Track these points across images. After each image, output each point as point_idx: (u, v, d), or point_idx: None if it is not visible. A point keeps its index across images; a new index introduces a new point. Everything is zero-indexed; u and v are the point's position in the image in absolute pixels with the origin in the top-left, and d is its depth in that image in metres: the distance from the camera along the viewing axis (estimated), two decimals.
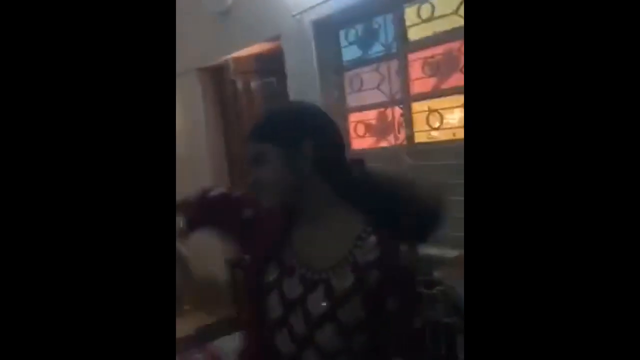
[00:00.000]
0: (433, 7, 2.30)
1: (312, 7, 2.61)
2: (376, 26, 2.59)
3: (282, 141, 0.91)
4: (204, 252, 3.68)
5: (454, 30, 2.19)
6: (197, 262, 4.00)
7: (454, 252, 2.02)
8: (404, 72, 2.49)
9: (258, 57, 3.28)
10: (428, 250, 2.09)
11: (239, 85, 3.34)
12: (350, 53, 2.76)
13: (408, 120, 2.51)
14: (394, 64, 2.53)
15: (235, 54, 3.27)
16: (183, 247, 1.22)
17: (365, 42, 2.66)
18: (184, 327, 3.13)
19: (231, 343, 2.44)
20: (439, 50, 2.33)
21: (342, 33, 2.76)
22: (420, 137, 2.50)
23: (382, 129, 2.70)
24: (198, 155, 3.69)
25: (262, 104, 3.29)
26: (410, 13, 2.43)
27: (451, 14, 2.21)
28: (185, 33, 3.62)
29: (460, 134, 2.29)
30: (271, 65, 3.15)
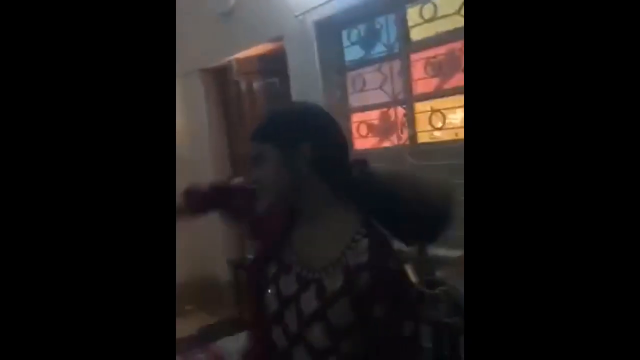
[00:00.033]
0: (435, 7, 2.30)
1: (314, 8, 2.62)
2: (378, 26, 2.60)
3: (281, 141, 0.92)
4: (206, 253, 3.71)
5: (456, 30, 2.19)
6: (200, 262, 4.03)
7: (457, 252, 2.01)
8: (406, 72, 2.49)
9: (261, 58, 3.29)
10: (431, 250, 2.09)
11: (242, 85, 3.34)
12: (352, 53, 2.76)
13: (410, 120, 2.51)
14: (397, 64, 2.53)
15: (238, 55, 3.28)
16: None
17: (367, 42, 2.66)
18: (187, 327, 3.14)
19: (234, 343, 2.44)
20: (441, 50, 2.33)
21: (344, 33, 2.76)
22: (422, 137, 2.50)
23: (384, 129, 2.70)
24: (201, 156, 3.70)
25: (264, 105, 3.30)
26: (412, 13, 2.43)
27: (453, 14, 2.21)
28: (188, 34, 3.63)
29: (463, 134, 2.29)
30: (274, 65, 3.16)
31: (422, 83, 2.46)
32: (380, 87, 2.64)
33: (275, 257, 0.98)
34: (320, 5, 2.58)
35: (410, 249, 2.12)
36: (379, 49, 2.62)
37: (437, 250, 2.07)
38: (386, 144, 2.70)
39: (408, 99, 2.51)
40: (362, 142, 2.81)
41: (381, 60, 2.62)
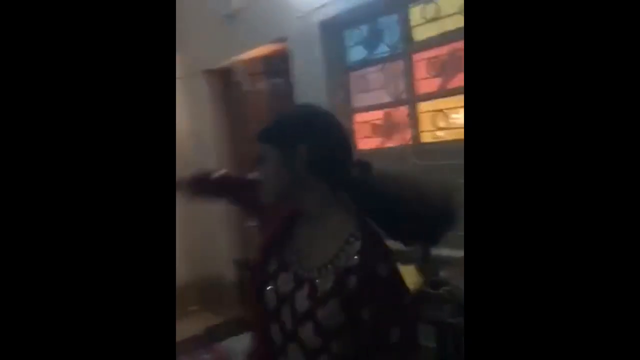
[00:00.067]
0: (438, 7, 2.30)
1: (317, 9, 2.62)
2: (381, 27, 2.60)
3: (281, 142, 0.95)
4: (211, 253, 3.72)
5: (458, 29, 2.19)
6: (205, 262, 4.04)
7: (461, 252, 2.01)
8: (409, 72, 2.49)
9: (265, 59, 3.30)
10: (434, 250, 2.09)
11: (246, 86, 3.35)
12: (355, 54, 2.77)
13: (414, 120, 2.51)
14: (400, 64, 2.53)
15: (243, 56, 3.29)
16: None
17: (370, 42, 2.67)
18: (192, 327, 3.15)
19: (239, 343, 2.45)
20: (444, 50, 2.33)
21: (347, 34, 2.77)
22: (426, 137, 2.50)
23: (388, 129, 2.71)
24: (205, 156, 3.71)
25: (269, 105, 3.31)
26: (415, 13, 2.43)
27: (456, 13, 2.21)
28: (193, 36, 3.65)
29: None
30: (278, 66, 3.17)
31: (425, 83, 2.46)
32: (384, 87, 2.64)
33: (276, 255, 1.00)
34: (324, 6, 2.59)
35: (413, 249, 2.12)
36: (382, 49, 2.63)
37: (441, 251, 2.07)
38: (389, 144, 2.70)
39: (411, 99, 2.51)
40: (366, 142, 2.81)
41: (384, 60, 2.63)
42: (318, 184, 0.94)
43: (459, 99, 2.27)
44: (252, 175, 1.19)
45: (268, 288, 0.98)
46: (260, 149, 0.97)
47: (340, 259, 0.91)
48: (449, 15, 2.26)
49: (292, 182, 0.94)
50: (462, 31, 2.18)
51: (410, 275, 2.13)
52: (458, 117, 2.34)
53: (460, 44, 2.21)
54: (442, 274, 2.09)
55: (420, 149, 2.48)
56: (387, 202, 0.93)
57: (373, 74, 2.69)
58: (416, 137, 2.50)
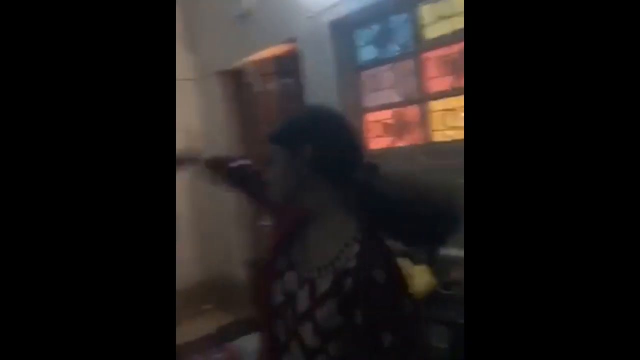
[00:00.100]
0: (448, 5, 2.28)
1: (328, 8, 2.62)
2: (392, 26, 2.59)
3: (287, 143, 0.96)
4: (224, 253, 3.74)
5: None
6: (218, 262, 4.07)
7: None
8: (420, 71, 2.48)
9: (276, 59, 3.31)
10: (446, 250, 2.08)
11: (257, 87, 3.37)
12: (366, 53, 2.76)
13: (425, 119, 2.50)
14: (410, 63, 2.52)
15: (254, 57, 3.30)
16: None
17: (381, 41, 2.66)
18: (205, 326, 3.18)
19: (251, 343, 2.46)
20: (454, 48, 2.31)
21: (358, 33, 2.76)
22: (436, 137, 2.49)
23: (399, 128, 2.70)
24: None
25: (279, 106, 3.31)
26: (425, 12, 2.42)
27: None
28: (205, 37, 3.68)
29: None
30: (289, 66, 3.17)
31: (436, 82, 2.45)
32: (395, 87, 2.64)
33: (284, 254, 1.02)
34: (334, 5, 2.58)
35: (421, 251, 2.11)
36: (393, 48, 2.62)
37: (451, 251, 2.05)
38: (400, 143, 2.69)
39: (422, 98, 2.50)
40: (377, 141, 2.81)
41: (395, 59, 2.62)
42: (322, 185, 0.95)
43: None
44: (263, 175, 1.20)
45: (275, 286, 0.99)
46: (270, 150, 0.99)
47: (340, 260, 0.91)
48: (459, 14, 2.24)
49: (298, 182, 0.95)
50: None
51: (423, 276, 2.13)
52: None
53: None
54: (454, 274, 2.08)
55: (430, 148, 2.47)
56: (390, 203, 0.92)
57: (384, 73, 2.68)
58: (427, 136, 2.49)
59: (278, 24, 2.98)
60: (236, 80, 3.63)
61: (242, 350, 2.73)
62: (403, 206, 0.92)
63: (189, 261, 3.54)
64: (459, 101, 2.34)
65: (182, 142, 3.95)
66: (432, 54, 2.43)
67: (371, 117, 2.82)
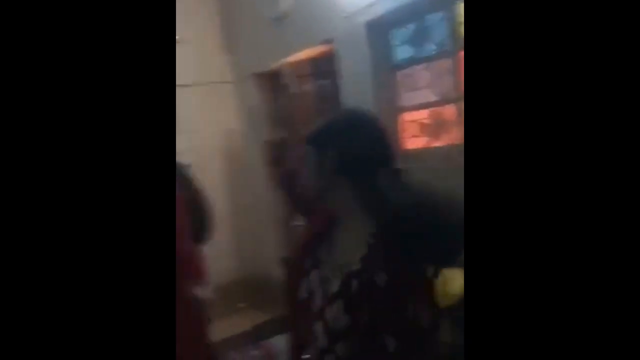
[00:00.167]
0: None
1: (364, 8, 2.63)
2: (428, 24, 2.57)
3: (316, 144, 0.99)
4: (259, 252, 3.79)
5: None
6: (253, 261, 4.11)
7: None
8: (457, 69, 2.45)
9: (312, 61, 3.33)
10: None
11: (294, 88, 3.39)
12: (402, 52, 2.75)
13: (462, 118, 2.47)
14: (447, 62, 2.50)
15: (290, 58, 3.34)
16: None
17: (417, 40, 2.64)
18: (240, 324, 3.22)
19: (285, 341, 2.48)
20: None
21: (394, 33, 2.75)
22: None
23: (435, 128, 2.67)
24: (255, 157, 3.79)
25: (316, 107, 3.33)
26: (462, 10, 2.39)
27: None
28: (242, 40, 3.75)
29: None
30: (325, 67, 3.19)
31: None
32: (431, 86, 2.61)
33: (312, 252, 1.04)
34: (370, 5, 2.59)
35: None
36: (429, 47, 2.60)
37: None
38: (437, 143, 2.67)
39: (459, 97, 2.47)
40: (413, 141, 2.79)
41: (431, 58, 2.60)
42: (345, 188, 0.97)
43: None
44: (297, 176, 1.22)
45: (302, 284, 1.02)
46: (305, 151, 1.02)
47: (351, 262, 0.93)
48: None
49: (324, 184, 0.98)
50: None
51: (458, 278, 2.09)
52: None
53: None
54: None
55: None
56: (402, 211, 0.93)
57: (420, 72, 2.67)
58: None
59: (314, 25, 3.01)
60: (273, 82, 3.68)
61: (278, 348, 2.75)
62: (412, 220, 0.92)
63: (225, 259, 3.59)
64: None
65: (221, 142, 4.02)
66: None
67: (407, 116, 2.81)
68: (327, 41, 2.98)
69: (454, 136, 2.52)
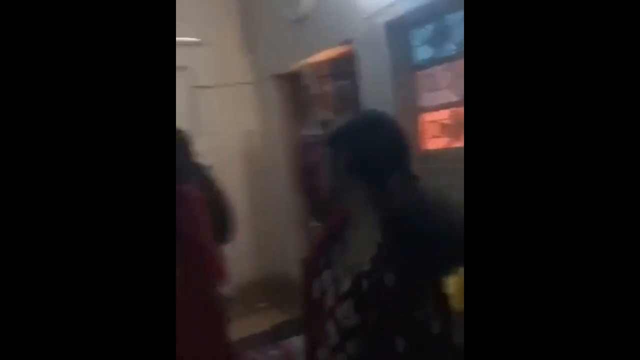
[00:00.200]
0: None
1: (383, 9, 2.62)
2: (448, 24, 2.55)
3: (334, 145, 1.01)
4: (280, 252, 3.80)
5: None
6: (273, 261, 4.14)
7: None
8: None
9: (332, 62, 3.33)
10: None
11: (314, 89, 3.40)
12: (422, 53, 2.73)
13: None
14: None
15: (310, 59, 3.35)
16: None
17: (437, 41, 2.63)
18: (260, 324, 3.24)
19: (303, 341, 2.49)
20: None
21: (414, 33, 2.74)
22: None
23: (456, 128, 2.65)
24: (275, 157, 3.81)
25: (335, 108, 3.34)
26: None
27: None
28: (262, 41, 3.77)
29: None
30: (345, 68, 3.19)
31: None
32: (451, 86, 2.59)
33: (325, 252, 1.06)
34: (390, 6, 2.58)
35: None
36: (449, 47, 2.58)
37: None
38: (457, 143, 2.64)
39: None
40: (434, 142, 2.77)
41: (451, 59, 2.57)
42: (359, 189, 0.98)
43: None
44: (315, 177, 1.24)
45: (314, 284, 1.04)
46: (323, 152, 1.03)
47: (362, 262, 0.95)
48: None
49: (338, 184, 1.00)
50: None
51: None
52: None
53: None
54: None
55: None
56: (411, 219, 0.93)
57: (440, 72, 2.65)
58: None
59: (334, 26, 3.01)
60: (293, 83, 3.69)
61: (296, 348, 2.76)
62: (422, 220, 0.92)
63: (245, 259, 3.62)
64: None
65: (241, 143, 4.05)
66: None
67: (428, 117, 2.79)
68: (347, 42, 2.98)
69: None
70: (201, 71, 3.67)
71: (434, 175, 2.04)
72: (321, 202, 1.18)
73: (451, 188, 1.00)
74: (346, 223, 1.05)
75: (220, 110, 3.78)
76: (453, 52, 2.56)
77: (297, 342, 2.81)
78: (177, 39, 3.63)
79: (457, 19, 2.49)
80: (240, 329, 2.58)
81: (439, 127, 2.74)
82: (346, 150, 0.97)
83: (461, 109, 2.58)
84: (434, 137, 2.76)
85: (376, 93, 2.76)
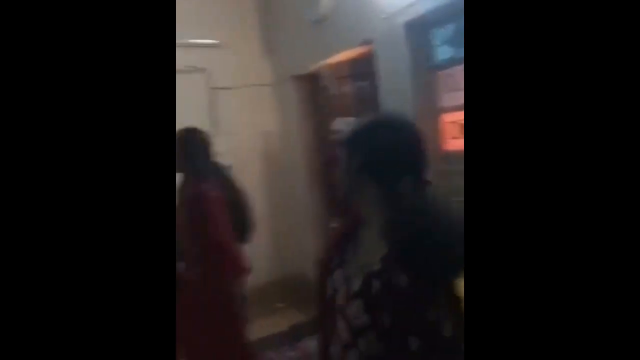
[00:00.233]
0: None
1: (403, 9, 2.61)
2: None
3: (345, 148, 1.02)
4: (297, 252, 3.81)
5: None
6: (291, 261, 4.15)
7: None
8: None
9: (351, 62, 3.32)
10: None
11: (333, 90, 3.40)
12: (442, 53, 2.71)
13: None
14: None
15: (329, 60, 3.35)
16: None
17: (457, 41, 2.60)
18: (278, 324, 3.25)
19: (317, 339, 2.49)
20: None
21: (433, 33, 2.72)
22: None
23: None
24: (294, 157, 3.82)
25: (355, 108, 3.33)
26: None
27: None
28: (282, 42, 3.78)
29: None
30: (364, 69, 3.18)
31: None
32: None
33: (339, 252, 1.07)
34: (409, 6, 2.56)
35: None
36: None
37: None
38: None
39: None
40: (453, 143, 2.74)
41: None
42: (370, 191, 0.98)
43: None
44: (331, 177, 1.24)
45: (328, 283, 1.05)
46: (339, 152, 1.04)
47: (372, 262, 0.95)
48: None
49: (350, 185, 1.01)
50: None
51: None
52: None
53: None
54: None
55: None
56: (415, 228, 0.93)
57: (460, 72, 2.62)
58: None
59: (353, 27, 3.00)
60: (312, 84, 3.70)
61: (314, 349, 2.76)
62: (425, 234, 0.92)
63: (263, 259, 3.63)
64: None
65: (259, 144, 4.07)
66: None
67: (448, 117, 2.76)
68: (367, 42, 2.97)
69: None
70: (220, 73, 3.71)
71: (454, 176, 2.02)
72: (338, 203, 1.19)
73: None
74: (360, 223, 1.06)
75: (239, 111, 3.80)
76: None
77: (314, 344, 2.81)
78: (197, 41, 3.66)
79: None
80: (258, 329, 2.59)
81: (459, 127, 2.70)
82: (360, 151, 0.98)
83: None
84: (454, 138, 2.73)
85: (396, 93, 2.75)
